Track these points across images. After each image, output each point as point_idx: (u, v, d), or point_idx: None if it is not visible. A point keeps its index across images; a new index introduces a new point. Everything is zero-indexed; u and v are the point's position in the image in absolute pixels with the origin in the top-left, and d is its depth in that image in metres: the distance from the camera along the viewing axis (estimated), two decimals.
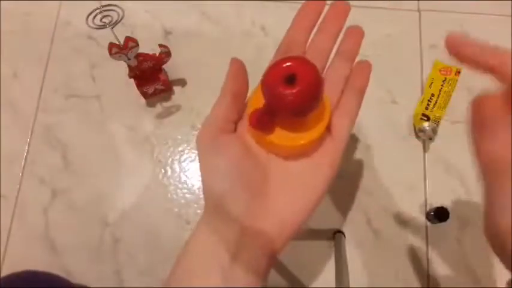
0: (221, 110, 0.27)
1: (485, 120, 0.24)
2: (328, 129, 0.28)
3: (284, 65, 0.26)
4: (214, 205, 0.26)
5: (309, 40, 0.30)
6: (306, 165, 0.27)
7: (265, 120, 0.27)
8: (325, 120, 0.28)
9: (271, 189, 0.26)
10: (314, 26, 0.30)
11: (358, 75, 0.29)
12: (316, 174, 0.26)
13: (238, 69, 0.28)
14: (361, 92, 0.29)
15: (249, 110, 0.28)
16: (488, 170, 0.24)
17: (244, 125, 0.28)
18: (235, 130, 0.28)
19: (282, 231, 0.25)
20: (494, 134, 0.24)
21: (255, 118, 0.27)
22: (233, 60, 0.28)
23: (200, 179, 0.60)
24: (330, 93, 0.28)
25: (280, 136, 0.27)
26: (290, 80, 0.25)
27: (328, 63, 0.30)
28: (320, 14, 0.30)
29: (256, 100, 0.28)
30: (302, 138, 0.27)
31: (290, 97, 0.25)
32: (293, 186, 0.26)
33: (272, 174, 0.27)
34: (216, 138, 0.27)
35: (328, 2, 0.30)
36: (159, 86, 0.54)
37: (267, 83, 0.26)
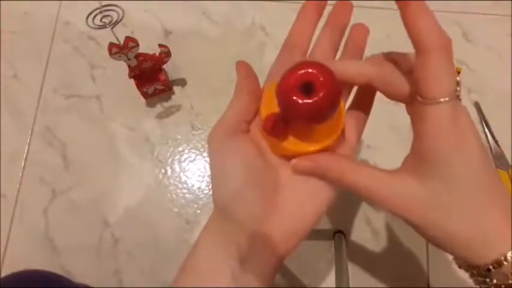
0: (236, 109, 0.27)
1: None
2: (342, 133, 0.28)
3: (300, 72, 0.24)
4: (224, 206, 0.26)
5: (313, 37, 0.30)
6: None
7: (280, 127, 0.26)
8: (340, 127, 0.27)
9: (282, 192, 0.26)
10: (317, 22, 0.30)
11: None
12: None
13: (248, 70, 0.28)
14: (373, 94, 0.29)
15: (261, 113, 0.27)
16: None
17: (258, 125, 0.28)
18: (248, 131, 0.28)
19: (291, 236, 0.25)
20: None
21: (270, 125, 0.26)
22: (239, 62, 0.28)
23: (200, 179, 0.60)
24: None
25: (294, 142, 0.27)
26: (307, 88, 0.24)
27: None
28: (322, 11, 0.30)
29: (266, 104, 0.27)
30: (316, 145, 0.27)
31: (307, 107, 0.24)
32: (304, 189, 0.26)
33: (283, 177, 0.26)
34: (229, 138, 0.26)
35: (331, 2, 0.30)
36: (159, 86, 0.54)
37: (282, 91, 0.25)
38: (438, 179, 0.24)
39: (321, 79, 0.24)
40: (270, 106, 0.26)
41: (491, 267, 0.24)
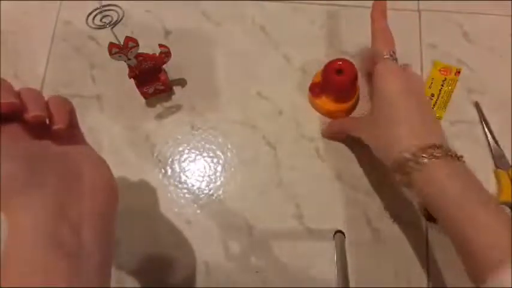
0: None
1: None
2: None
3: (338, 62, 0.47)
4: None
5: None
6: None
7: (317, 91, 0.50)
8: (354, 98, 0.51)
9: None
10: None
11: None
12: None
13: None
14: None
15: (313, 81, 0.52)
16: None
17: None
18: None
19: None
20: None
21: (313, 88, 0.51)
22: None
23: (200, 179, 0.59)
24: None
25: (325, 102, 0.50)
26: (339, 72, 0.47)
27: None
28: None
29: (317, 77, 0.51)
30: (337, 106, 0.50)
31: (338, 81, 0.47)
32: None
33: None
34: None
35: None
36: (159, 86, 0.54)
37: (326, 71, 0.48)
38: (373, 111, 0.42)
39: (349, 69, 0.47)
40: (318, 80, 0.50)
41: (394, 165, 0.40)
